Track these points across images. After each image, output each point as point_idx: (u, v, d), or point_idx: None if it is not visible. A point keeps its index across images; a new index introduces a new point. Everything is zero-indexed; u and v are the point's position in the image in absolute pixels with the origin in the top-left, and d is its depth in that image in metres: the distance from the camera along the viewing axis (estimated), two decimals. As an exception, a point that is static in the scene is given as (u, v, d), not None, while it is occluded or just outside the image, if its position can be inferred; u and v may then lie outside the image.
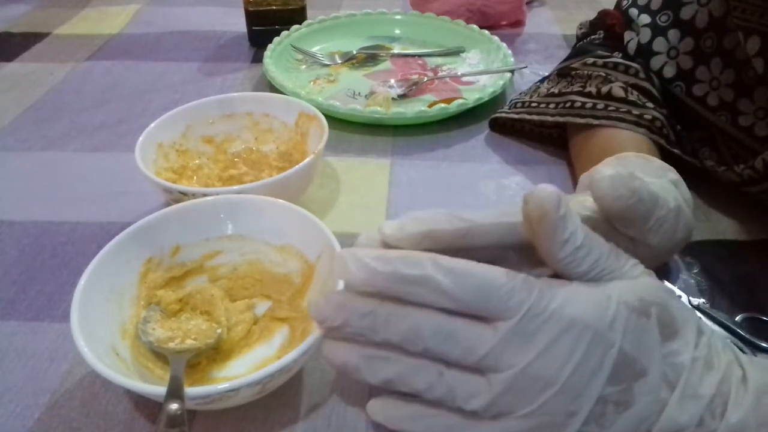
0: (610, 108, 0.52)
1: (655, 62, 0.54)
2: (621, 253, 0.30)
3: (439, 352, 0.29)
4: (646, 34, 0.54)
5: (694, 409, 0.28)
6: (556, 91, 0.58)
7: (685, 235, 0.41)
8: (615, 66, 0.55)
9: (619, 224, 0.37)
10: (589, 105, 0.53)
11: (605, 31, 0.60)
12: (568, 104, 0.55)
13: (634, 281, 0.29)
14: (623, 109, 0.51)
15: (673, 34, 0.52)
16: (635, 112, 0.51)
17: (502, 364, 0.28)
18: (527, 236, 0.30)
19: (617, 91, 0.52)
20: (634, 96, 0.52)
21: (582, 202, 0.38)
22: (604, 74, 0.55)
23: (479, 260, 0.29)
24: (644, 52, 0.54)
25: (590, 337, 0.27)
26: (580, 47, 0.62)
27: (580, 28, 0.66)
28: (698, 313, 0.41)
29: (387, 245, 0.34)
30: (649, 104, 0.52)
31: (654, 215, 0.37)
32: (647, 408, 0.28)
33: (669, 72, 0.53)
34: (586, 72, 0.57)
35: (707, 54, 0.51)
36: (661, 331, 0.28)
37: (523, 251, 0.32)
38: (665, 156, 0.49)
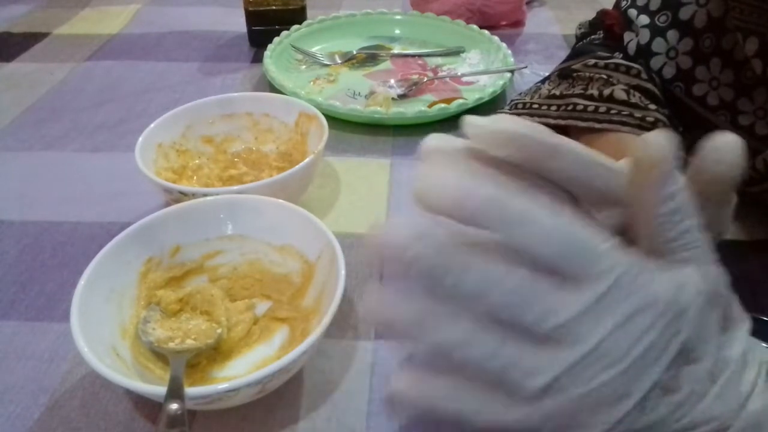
0: (612, 111, 0.52)
1: (655, 62, 0.54)
2: (702, 233, 0.29)
3: (510, 313, 0.25)
4: (645, 35, 0.54)
5: (728, 404, 0.27)
6: (558, 93, 0.58)
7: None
8: (616, 67, 0.55)
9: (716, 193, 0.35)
10: (591, 108, 0.53)
11: (605, 31, 0.60)
12: (570, 107, 0.55)
13: (707, 269, 0.28)
14: (625, 112, 0.51)
15: (672, 34, 0.52)
16: (637, 114, 0.51)
17: (576, 336, 0.25)
18: (616, 187, 0.28)
19: (619, 93, 0.52)
20: (636, 98, 0.52)
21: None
22: (605, 76, 0.55)
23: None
24: (644, 53, 0.54)
25: (668, 319, 0.26)
26: (579, 48, 0.62)
27: (580, 28, 0.66)
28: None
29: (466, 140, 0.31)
30: (651, 106, 0.52)
31: (732, 202, 0.36)
32: (688, 397, 0.27)
33: (668, 72, 0.53)
34: (587, 74, 0.56)
35: (706, 54, 0.51)
36: (719, 324, 0.28)
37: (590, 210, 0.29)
38: None
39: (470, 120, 0.28)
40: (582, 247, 0.25)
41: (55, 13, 0.93)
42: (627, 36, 0.56)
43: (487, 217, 0.25)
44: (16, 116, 0.66)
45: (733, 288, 0.44)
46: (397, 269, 0.26)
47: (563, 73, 0.60)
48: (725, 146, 0.28)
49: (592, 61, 0.57)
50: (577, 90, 0.56)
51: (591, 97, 0.54)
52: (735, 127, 0.50)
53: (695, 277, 0.27)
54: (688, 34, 0.51)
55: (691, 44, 0.51)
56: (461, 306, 0.26)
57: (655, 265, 0.27)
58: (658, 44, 0.53)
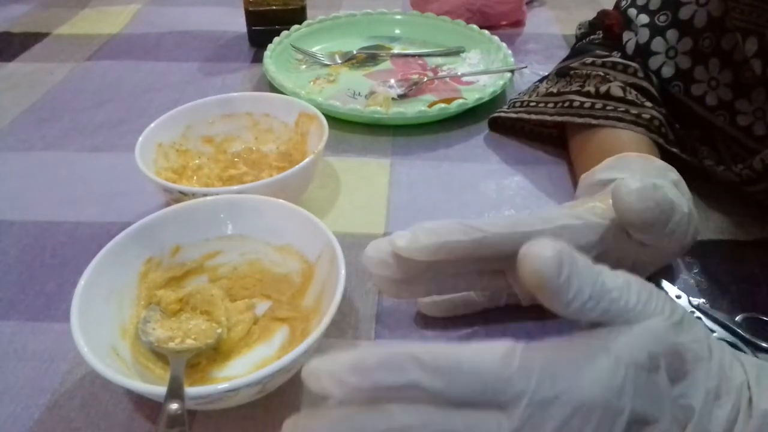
0: (608, 107, 0.52)
1: (654, 62, 0.54)
2: (632, 286, 0.28)
3: None
4: (644, 34, 0.54)
5: None
6: (555, 90, 0.58)
7: (693, 237, 0.41)
8: (614, 65, 0.55)
9: (635, 231, 0.37)
10: (587, 104, 0.53)
11: (604, 31, 0.60)
12: (566, 104, 0.55)
13: (643, 331, 0.28)
14: (621, 109, 0.51)
15: (671, 34, 0.52)
16: (633, 111, 0.51)
17: None
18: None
19: (616, 90, 0.52)
20: (632, 95, 0.52)
21: (592, 209, 0.37)
22: (602, 74, 0.55)
23: (491, 270, 0.27)
24: (643, 52, 0.54)
25: (600, 412, 0.26)
26: (579, 47, 0.62)
27: (579, 28, 0.66)
28: (700, 314, 0.41)
29: (398, 257, 0.34)
30: (648, 103, 0.52)
31: (671, 221, 0.37)
32: None
33: (667, 72, 0.53)
34: (584, 71, 0.57)
35: (705, 54, 0.51)
36: (671, 377, 0.27)
37: None
38: (664, 155, 0.49)
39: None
40: (483, 383, 0.25)
41: (55, 13, 0.93)
42: (626, 35, 0.56)
43: (383, 393, 0.25)
44: (16, 116, 0.66)
45: (734, 288, 0.45)
46: None
47: (561, 72, 0.61)
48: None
49: (590, 59, 0.57)
50: (574, 87, 0.56)
51: (588, 94, 0.54)
52: (733, 127, 0.50)
53: (628, 349, 0.27)
54: (688, 33, 0.52)
55: (690, 44, 0.51)
56: None
57: (575, 357, 0.26)
58: (658, 43, 0.53)
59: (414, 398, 0.25)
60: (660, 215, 0.35)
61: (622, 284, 0.28)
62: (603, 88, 0.53)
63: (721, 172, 0.50)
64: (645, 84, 0.53)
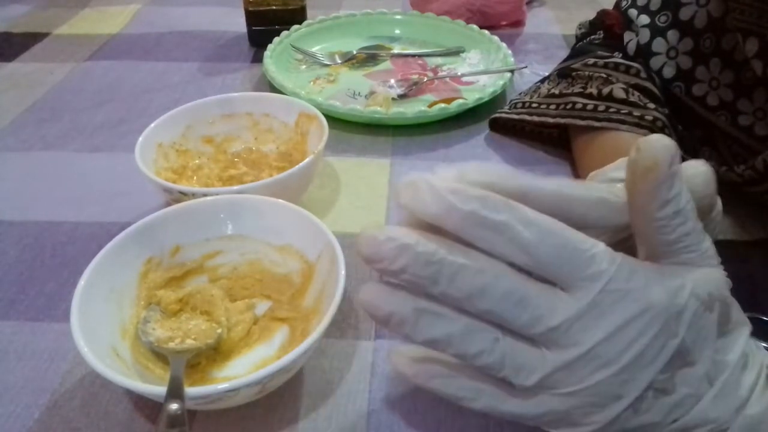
0: (611, 110, 0.52)
1: (655, 62, 0.54)
2: (706, 234, 0.28)
3: (503, 316, 0.26)
4: (645, 35, 0.54)
5: (726, 407, 0.27)
6: (557, 92, 0.58)
7: (715, 236, 0.40)
8: (616, 66, 0.55)
9: None
10: (590, 107, 0.53)
11: (605, 31, 0.60)
12: (569, 105, 0.55)
13: (707, 272, 0.28)
14: (624, 111, 0.51)
15: (672, 34, 0.52)
16: (636, 113, 0.51)
17: (568, 339, 0.26)
18: (584, 211, 0.28)
19: (618, 92, 0.52)
20: (635, 97, 0.52)
21: (609, 188, 0.37)
22: (605, 75, 0.55)
23: None
24: (644, 53, 0.54)
25: (661, 324, 0.26)
26: (580, 47, 0.62)
27: (580, 28, 0.66)
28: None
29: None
30: (651, 105, 0.52)
31: (714, 210, 0.36)
32: (684, 399, 0.27)
33: (668, 72, 0.53)
34: (586, 73, 0.57)
35: (706, 54, 0.51)
36: (718, 328, 0.28)
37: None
38: None
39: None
40: (570, 251, 0.25)
41: (55, 13, 0.93)
42: (627, 36, 0.56)
43: (473, 225, 0.25)
44: (16, 116, 0.66)
45: (733, 288, 0.44)
46: (386, 276, 0.27)
47: (562, 73, 0.61)
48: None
49: (592, 60, 0.57)
50: (576, 89, 0.56)
51: (590, 96, 0.54)
52: (735, 128, 0.50)
53: (692, 281, 0.27)
54: (689, 34, 0.52)
55: (691, 44, 0.51)
56: (455, 306, 0.26)
57: (652, 267, 0.27)
58: (658, 44, 0.53)
59: (499, 251, 0.25)
60: (711, 201, 0.33)
61: (701, 228, 0.28)
62: (606, 90, 0.53)
63: (722, 173, 0.50)
64: (647, 85, 0.53)
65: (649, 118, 0.50)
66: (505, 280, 0.25)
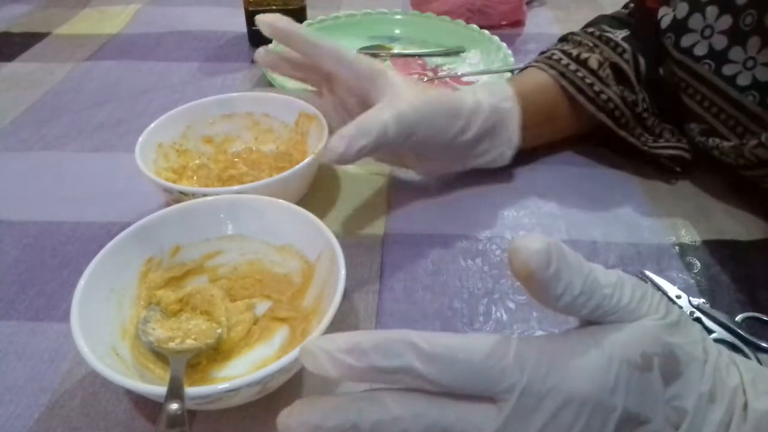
0: (579, 73, 0.54)
1: (686, 40, 0.52)
2: (625, 284, 0.28)
3: None
4: (683, 9, 0.52)
5: None
6: (546, 49, 0.61)
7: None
8: (607, 41, 0.56)
9: None
10: (564, 62, 0.56)
11: (636, 3, 0.60)
12: (548, 54, 0.58)
13: (637, 328, 0.27)
14: (589, 81, 0.54)
15: (711, 10, 0.51)
16: (596, 88, 0.53)
17: None
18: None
19: (593, 62, 0.55)
20: (605, 73, 0.54)
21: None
22: (591, 44, 0.57)
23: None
24: (678, 27, 0.53)
25: (591, 407, 0.26)
26: (596, 18, 0.63)
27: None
28: (700, 314, 0.41)
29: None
30: (615, 87, 0.54)
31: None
32: None
33: (700, 50, 0.52)
34: (578, 39, 0.59)
35: (745, 32, 0.49)
36: (664, 377, 0.27)
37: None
38: (613, 137, 0.55)
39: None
40: (477, 373, 0.25)
41: (55, 13, 0.93)
42: (662, 11, 0.55)
43: (375, 376, 0.26)
44: (16, 116, 0.66)
45: (734, 288, 0.44)
46: None
47: (563, 37, 0.62)
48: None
49: (591, 29, 0.59)
50: (564, 47, 0.59)
51: (569, 55, 0.56)
52: (762, 107, 0.49)
53: (622, 346, 0.26)
54: (728, 11, 0.50)
55: (729, 22, 0.50)
56: None
57: (572, 352, 0.26)
58: (695, 20, 0.52)
59: (408, 385, 0.26)
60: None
61: (615, 281, 0.28)
62: (584, 56, 0.55)
63: (726, 149, 0.49)
64: (625, 67, 0.55)
65: (604, 96, 0.53)
66: (424, 418, 0.26)
